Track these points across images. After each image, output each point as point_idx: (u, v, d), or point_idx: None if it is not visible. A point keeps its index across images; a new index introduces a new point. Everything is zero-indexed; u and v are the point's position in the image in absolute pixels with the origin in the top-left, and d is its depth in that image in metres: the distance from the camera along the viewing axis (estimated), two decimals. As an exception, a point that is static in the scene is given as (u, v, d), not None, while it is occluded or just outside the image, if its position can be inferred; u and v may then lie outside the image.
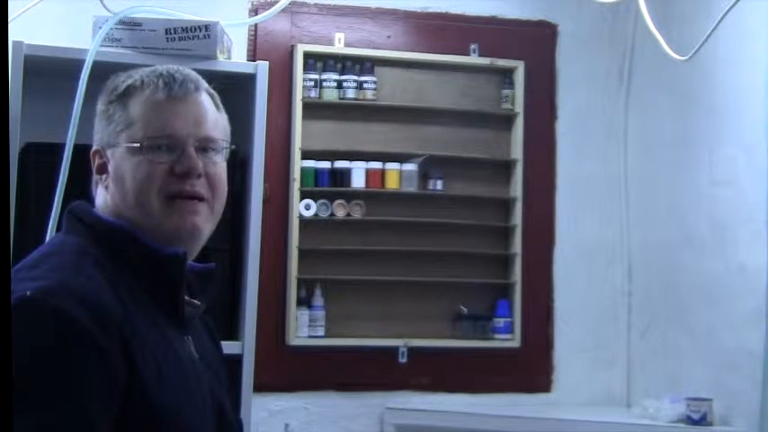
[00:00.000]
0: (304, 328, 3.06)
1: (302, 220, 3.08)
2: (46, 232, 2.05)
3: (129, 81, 1.47)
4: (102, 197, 1.46)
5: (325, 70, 3.12)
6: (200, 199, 1.42)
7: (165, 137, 1.42)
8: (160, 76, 1.45)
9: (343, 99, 3.13)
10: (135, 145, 1.42)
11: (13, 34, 2.09)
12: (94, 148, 1.48)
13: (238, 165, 2.53)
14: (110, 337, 1.26)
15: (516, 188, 3.25)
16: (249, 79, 2.47)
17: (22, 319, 1.22)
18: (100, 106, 1.48)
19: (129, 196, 1.42)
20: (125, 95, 1.45)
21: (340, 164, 3.12)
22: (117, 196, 1.44)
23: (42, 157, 2.27)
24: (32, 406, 1.20)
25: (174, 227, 1.41)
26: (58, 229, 2.01)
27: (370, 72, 3.15)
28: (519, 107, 3.27)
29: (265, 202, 2.59)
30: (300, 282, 3.08)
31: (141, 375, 1.27)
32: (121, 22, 2.31)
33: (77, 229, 1.42)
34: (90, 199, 1.50)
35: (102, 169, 1.46)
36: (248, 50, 3.07)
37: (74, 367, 1.24)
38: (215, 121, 1.46)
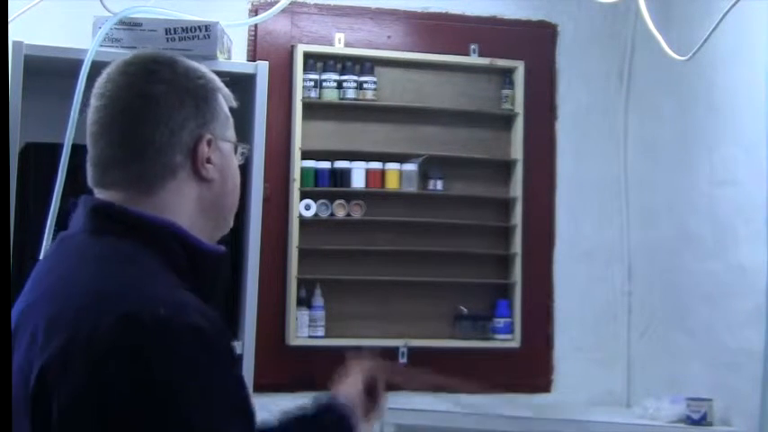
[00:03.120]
0: (304, 329, 3.06)
1: (302, 220, 3.08)
2: (45, 232, 2.05)
3: (208, 73, 1.45)
4: (195, 191, 1.40)
5: (325, 70, 3.12)
6: None
7: (246, 148, 1.48)
8: (219, 80, 1.47)
9: (343, 99, 3.13)
10: (245, 146, 1.47)
11: (13, 34, 2.10)
12: (207, 136, 1.39)
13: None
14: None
15: (516, 188, 3.25)
16: (249, 79, 2.47)
17: (167, 338, 1.18)
18: (197, 90, 1.41)
19: (231, 197, 1.44)
20: (214, 89, 1.44)
21: (340, 164, 3.12)
22: (218, 192, 1.42)
23: (42, 157, 2.28)
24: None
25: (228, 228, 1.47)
26: (58, 228, 2.01)
27: (370, 72, 3.15)
28: (519, 107, 3.26)
29: (265, 201, 2.60)
30: (300, 282, 3.08)
31: None
32: (121, 22, 2.31)
33: (116, 231, 1.35)
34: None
35: (208, 160, 1.42)
36: (248, 50, 3.08)
37: (229, 377, 1.25)
38: None
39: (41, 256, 1.43)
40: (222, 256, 1.41)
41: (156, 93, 1.37)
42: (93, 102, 1.41)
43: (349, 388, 1.87)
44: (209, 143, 1.38)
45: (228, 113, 1.45)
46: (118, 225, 1.35)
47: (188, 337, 1.20)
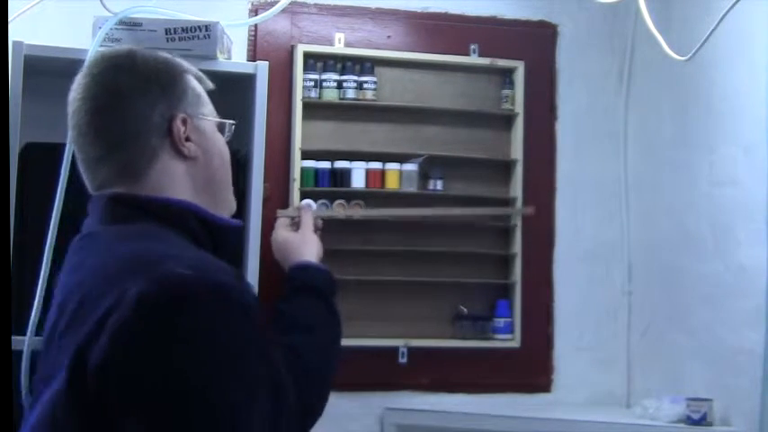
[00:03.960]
0: (304, 328, 3.05)
1: (302, 220, 3.07)
2: (46, 232, 2.05)
3: (171, 58, 1.48)
4: (183, 169, 1.43)
5: (325, 70, 3.12)
6: None
7: (231, 124, 1.50)
8: (188, 65, 1.51)
9: (343, 99, 3.13)
10: (231, 122, 1.49)
11: (13, 34, 2.10)
12: (180, 115, 1.43)
13: (238, 165, 2.54)
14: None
15: (516, 188, 3.25)
16: (249, 79, 2.48)
17: (192, 298, 1.20)
18: (159, 74, 1.44)
19: (221, 172, 1.46)
20: (181, 71, 1.46)
21: (340, 164, 3.12)
22: (205, 169, 1.44)
23: (42, 157, 2.27)
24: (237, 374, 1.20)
25: (233, 205, 1.52)
26: (61, 229, 2.01)
27: (371, 72, 3.15)
28: (519, 107, 3.26)
29: (265, 201, 2.60)
30: (300, 282, 3.07)
31: None
32: (121, 22, 2.31)
33: (134, 216, 1.38)
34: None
35: (187, 138, 1.44)
36: (248, 50, 3.08)
37: (253, 332, 1.26)
38: None
39: (67, 260, 1.43)
40: (239, 229, 1.45)
41: (120, 85, 1.41)
42: (69, 109, 1.45)
43: (308, 243, 2.01)
44: (183, 122, 1.42)
45: (200, 92, 1.48)
46: (135, 211, 1.39)
47: (213, 296, 1.22)
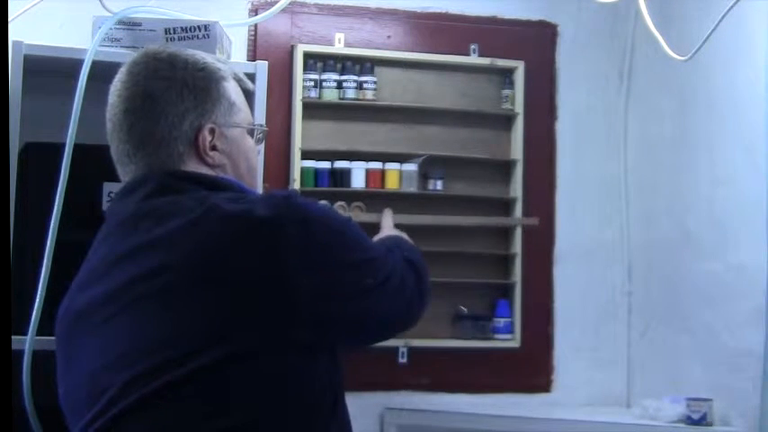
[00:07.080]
0: (304, 328, 3.05)
1: (302, 220, 3.07)
2: (46, 232, 2.05)
3: (211, 64, 1.51)
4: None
5: (325, 70, 3.12)
6: None
7: (262, 129, 1.53)
8: (226, 68, 1.53)
9: (343, 99, 3.13)
10: (263, 128, 1.56)
11: (13, 34, 2.10)
12: (208, 125, 1.47)
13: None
14: None
15: (516, 188, 3.25)
16: (249, 79, 2.47)
17: (305, 203, 1.43)
18: (196, 82, 1.49)
19: (247, 177, 1.54)
20: (218, 78, 1.49)
21: (340, 164, 3.12)
22: (232, 175, 1.51)
23: (42, 157, 2.27)
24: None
25: None
26: (61, 229, 2.01)
27: (370, 72, 3.15)
28: (519, 107, 3.26)
29: (265, 202, 2.59)
30: (300, 282, 3.07)
31: None
32: (121, 22, 2.31)
33: (186, 188, 1.45)
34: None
35: (213, 147, 1.48)
36: (248, 50, 3.08)
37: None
38: None
39: (101, 240, 1.46)
40: None
41: (156, 90, 1.44)
42: (109, 100, 1.50)
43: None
44: (211, 131, 1.46)
45: (235, 99, 1.51)
46: (196, 183, 1.45)
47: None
